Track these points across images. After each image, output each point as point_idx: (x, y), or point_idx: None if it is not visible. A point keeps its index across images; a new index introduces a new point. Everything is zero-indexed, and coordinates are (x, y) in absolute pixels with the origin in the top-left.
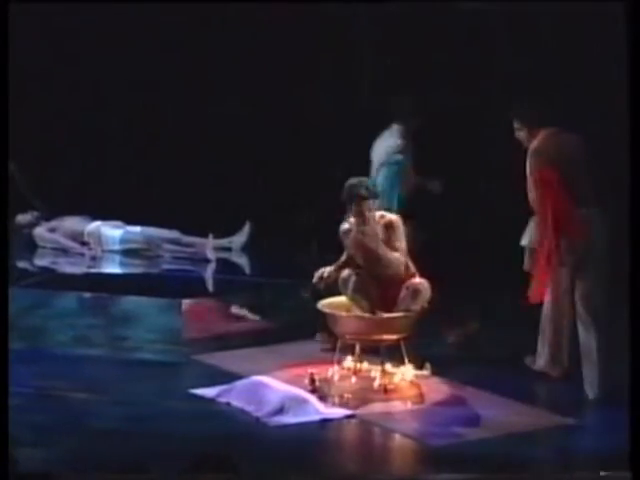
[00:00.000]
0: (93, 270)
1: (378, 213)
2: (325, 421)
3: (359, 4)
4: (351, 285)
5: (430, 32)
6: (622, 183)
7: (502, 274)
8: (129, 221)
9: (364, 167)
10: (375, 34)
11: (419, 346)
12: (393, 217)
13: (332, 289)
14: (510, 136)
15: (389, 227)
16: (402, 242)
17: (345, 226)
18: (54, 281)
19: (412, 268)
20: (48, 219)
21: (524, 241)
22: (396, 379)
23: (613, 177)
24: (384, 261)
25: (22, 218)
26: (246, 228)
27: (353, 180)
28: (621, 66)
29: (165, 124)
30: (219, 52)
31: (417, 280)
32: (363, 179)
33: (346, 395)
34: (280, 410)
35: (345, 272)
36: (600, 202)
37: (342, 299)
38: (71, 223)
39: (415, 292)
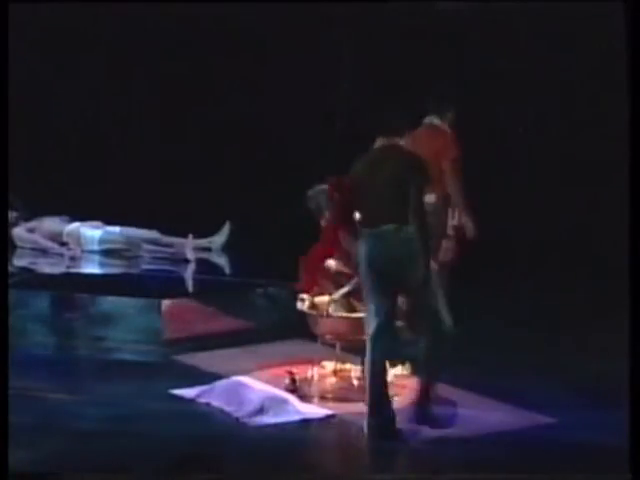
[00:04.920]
0: (72, 270)
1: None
2: (305, 421)
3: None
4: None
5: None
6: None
7: (487, 276)
8: (108, 221)
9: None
10: (355, 36)
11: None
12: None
13: None
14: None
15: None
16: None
17: None
18: (33, 281)
19: None
20: (27, 219)
21: None
22: None
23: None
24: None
25: None
26: (226, 228)
27: (311, 191)
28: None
29: (145, 125)
30: (200, 54)
31: None
32: (320, 190)
33: (326, 395)
34: (260, 410)
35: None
36: None
37: (324, 298)
38: (50, 223)
39: None
